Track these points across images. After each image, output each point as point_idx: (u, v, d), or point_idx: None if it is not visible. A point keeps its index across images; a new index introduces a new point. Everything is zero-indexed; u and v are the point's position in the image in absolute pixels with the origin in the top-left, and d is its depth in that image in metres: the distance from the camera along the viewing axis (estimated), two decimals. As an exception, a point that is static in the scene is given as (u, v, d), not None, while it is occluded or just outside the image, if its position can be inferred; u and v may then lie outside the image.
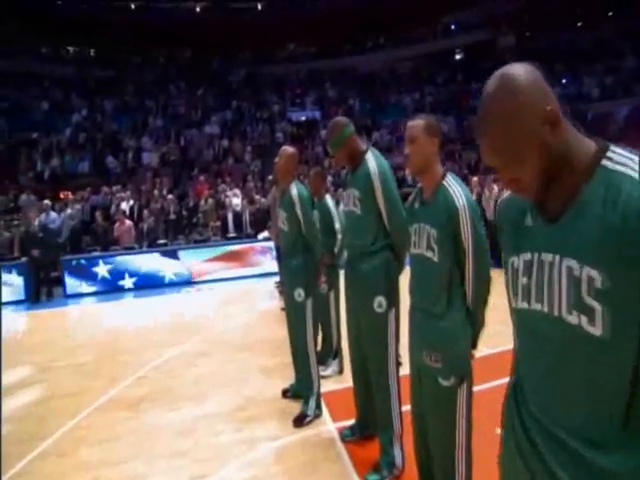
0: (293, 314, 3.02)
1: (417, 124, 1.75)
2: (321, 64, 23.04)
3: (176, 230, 9.35)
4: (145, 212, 8.33)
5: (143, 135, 15.45)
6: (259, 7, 23.33)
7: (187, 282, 8.13)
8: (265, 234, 8.82)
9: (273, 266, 8.20)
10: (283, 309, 5.65)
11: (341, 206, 3.16)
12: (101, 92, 18.12)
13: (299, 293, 2.91)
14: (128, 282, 7.97)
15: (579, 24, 21.85)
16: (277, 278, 7.49)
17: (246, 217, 9.08)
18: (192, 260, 8.22)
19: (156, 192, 10.20)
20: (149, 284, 7.96)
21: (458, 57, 23.33)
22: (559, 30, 21.52)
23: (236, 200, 10.34)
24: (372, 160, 2.24)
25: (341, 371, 3.68)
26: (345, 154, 2.34)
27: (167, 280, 8.07)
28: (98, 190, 10.88)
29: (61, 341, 5.29)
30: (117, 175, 12.87)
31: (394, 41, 23.24)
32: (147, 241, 8.42)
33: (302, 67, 23.07)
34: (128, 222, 8.41)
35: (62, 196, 11.81)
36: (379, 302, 2.22)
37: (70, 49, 22.78)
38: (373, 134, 16.61)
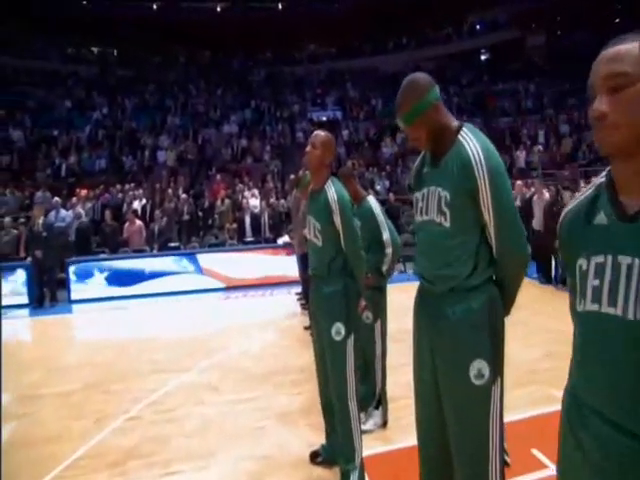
0: (329, 356, 2.21)
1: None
2: (342, 64, 22.22)
3: (190, 232, 8.60)
4: (157, 212, 7.59)
5: (161, 134, 14.83)
6: (279, 7, 22.64)
7: (200, 291, 7.35)
8: (285, 239, 7.98)
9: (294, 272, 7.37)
10: (307, 328, 4.84)
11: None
12: (122, 91, 17.64)
13: (338, 330, 2.16)
14: (136, 288, 7.23)
15: (616, 20, 20.48)
16: (299, 289, 6.67)
17: (265, 219, 8.27)
18: (206, 265, 7.44)
19: (170, 191, 9.47)
20: (159, 291, 7.21)
21: (484, 57, 22.19)
22: (589, 30, 20.23)
23: (254, 201, 9.55)
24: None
25: (385, 424, 2.79)
26: (427, 129, 1.49)
27: (179, 288, 7.31)
28: (111, 188, 10.22)
29: (54, 359, 4.54)
30: (133, 173, 12.23)
31: (417, 41, 22.28)
32: (158, 243, 7.68)
33: (322, 67, 22.28)
34: (138, 222, 7.67)
35: (79, 193, 11.24)
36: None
37: (94, 49, 22.50)
38: (397, 135, 15.66)
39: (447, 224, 1.39)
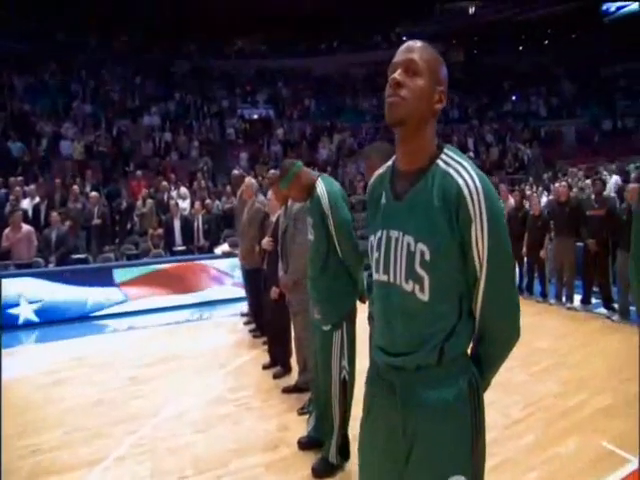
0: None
1: None
2: (272, 63, 20.83)
3: (101, 240, 6.63)
4: (54, 215, 5.56)
5: (65, 121, 12.13)
6: (207, -4, 20.52)
7: (113, 315, 5.50)
8: (225, 247, 6.45)
9: (235, 290, 5.89)
10: (266, 367, 3.70)
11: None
12: (10, 67, 14.28)
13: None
14: (25, 313, 5.19)
15: (520, 48, 21.85)
16: (244, 307, 5.25)
17: (198, 225, 6.63)
18: (123, 282, 5.61)
19: (76, 188, 7.33)
20: (57, 317, 5.25)
21: (410, 68, 22.26)
22: (504, 52, 21.34)
23: (183, 203, 7.82)
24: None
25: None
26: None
27: (83, 310, 5.40)
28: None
29: None
30: (24, 165, 9.57)
31: (348, 45, 21.70)
32: (56, 255, 5.66)
33: (252, 64, 20.65)
34: (26, 227, 5.57)
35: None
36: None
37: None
38: (334, 136, 14.72)
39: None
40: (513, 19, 20.18)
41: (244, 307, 5.32)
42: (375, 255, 1.08)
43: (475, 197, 0.94)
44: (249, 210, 3.99)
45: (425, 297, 0.98)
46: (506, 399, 3.03)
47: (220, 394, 3.30)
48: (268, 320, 3.76)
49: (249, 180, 4.16)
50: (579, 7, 20.06)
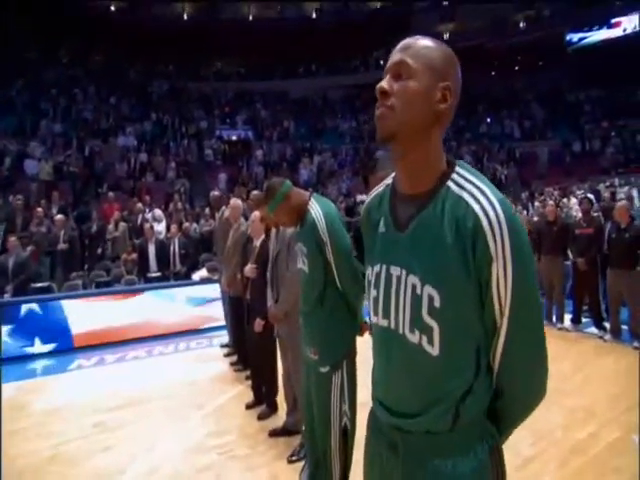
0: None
1: None
2: (251, 85, 20.91)
3: (68, 266, 6.16)
4: (12, 239, 5.09)
5: (32, 140, 11.61)
6: (185, 17, 20.59)
7: (70, 351, 5.00)
8: (203, 273, 6.09)
9: (214, 319, 5.52)
10: (249, 406, 3.37)
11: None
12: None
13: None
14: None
15: (493, 73, 22.72)
16: (225, 339, 4.90)
17: (174, 249, 6.27)
18: (83, 316, 5.11)
19: (40, 210, 6.86)
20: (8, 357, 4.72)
21: (388, 91, 22.75)
22: (477, 77, 22.12)
23: (159, 226, 7.44)
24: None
25: None
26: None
27: (39, 351, 4.88)
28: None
29: None
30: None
31: (327, 69, 22.05)
32: (13, 283, 5.16)
33: (230, 85, 20.66)
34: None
35: None
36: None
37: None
38: (314, 157, 14.68)
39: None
40: (485, 46, 21.05)
41: (225, 337, 4.95)
42: (373, 293, 0.91)
43: (497, 229, 0.76)
44: (234, 234, 3.71)
45: (435, 350, 0.81)
46: (513, 434, 2.80)
47: (199, 441, 2.92)
48: (252, 354, 3.43)
49: (235, 202, 3.90)
50: (546, 36, 21.17)
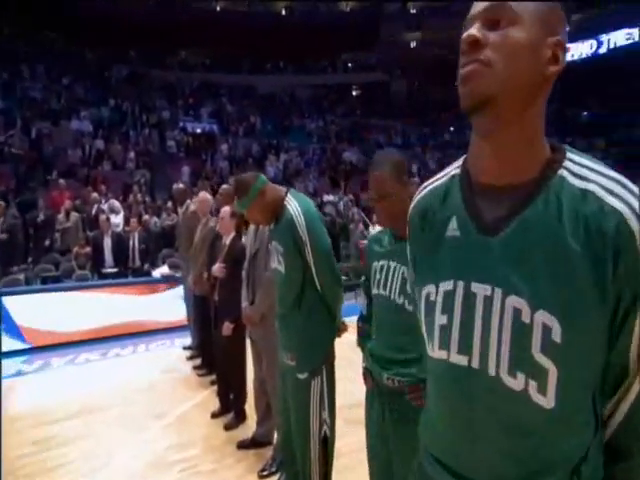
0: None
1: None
2: (217, 77, 20.28)
3: (8, 258, 5.57)
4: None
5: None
6: (152, 2, 19.58)
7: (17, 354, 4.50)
8: (164, 270, 5.74)
9: (176, 319, 5.19)
10: (197, 370, 3.53)
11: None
12: None
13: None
14: None
15: (455, 84, 23.47)
16: (188, 340, 4.62)
17: (134, 243, 5.85)
18: (27, 314, 4.61)
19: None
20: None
21: (355, 93, 22.89)
22: (440, 86, 22.75)
23: (116, 218, 6.94)
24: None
25: None
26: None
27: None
28: None
29: None
30: None
31: (295, 67, 21.82)
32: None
33: (195, 76, 19.93)
34: None
35: None
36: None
37: None
38: (281, 155, 14.43)
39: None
40: (449, 57, 21.66)
41: (188, 339, 4.66)
42: (440, 320, 0.69)
43: None
44: (202, 230, 3.45)
45: (548, 402, 0.60)
46: None
47: (160, 455, 2.67)
48: (219, 358, 3.21)
49: (204, 195, 3.63)
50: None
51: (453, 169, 0.76)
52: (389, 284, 1.32)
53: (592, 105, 20.36)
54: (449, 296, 0.67)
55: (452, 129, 19.47)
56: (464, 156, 0.74)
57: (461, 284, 0.66)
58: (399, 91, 21.83)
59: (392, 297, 1.31)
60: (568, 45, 0.66)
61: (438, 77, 22.48)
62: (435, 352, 0.69)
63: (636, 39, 17.61)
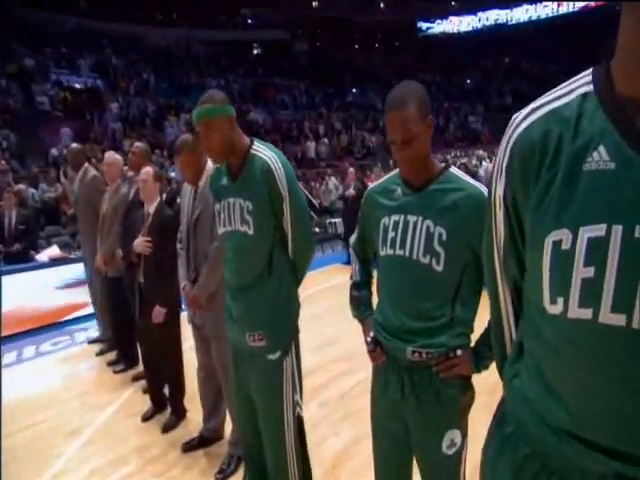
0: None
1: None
2: (95, 24, 17.23)
3: None
4: None
5: None
6: None
7: None
8: (54, 250, 4.70)
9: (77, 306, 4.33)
10: (112, 366, 3.14)
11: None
12: None
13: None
14: None
15: (356, 47, 23.45)
16: (95, 332, 3.89)
17: (11, 223, 4.64)
18: None
19: None
20: None
21: (256, 52, 21.48)
22: (341, 48, 22.48)
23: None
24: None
25: None
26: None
27: None
28: None
29: None
30: None
31: (189, 20, 19.54)
32: None
33: (69, 21, 16.67)
34: None
35: None
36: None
37: None
38: (181, 116, 12.98)
39: None
40: (351, 20, 21.46)
41: (93, 331, 3.89)
42: (585, 273, 0.62)
43: None
44: (112, 197, 2.72)
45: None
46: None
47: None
48: (148, 349, 2.65)
49: (112, 156, 2.86)
50: (401, 20, 22.71)
51: (578, 86, 0.62)
52: (409, 242, 1.15)
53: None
54: (599, 244, 0.56)
55: (354, 90, 19.55)
56: (589, 70, 0.61)
57: (618, 229, 0.55)
58: (302, 50, 21.06)
59: (414, 257, 1.14)
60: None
61: (338, 39, 22.21)
62: (572, 311, 0.58)
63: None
